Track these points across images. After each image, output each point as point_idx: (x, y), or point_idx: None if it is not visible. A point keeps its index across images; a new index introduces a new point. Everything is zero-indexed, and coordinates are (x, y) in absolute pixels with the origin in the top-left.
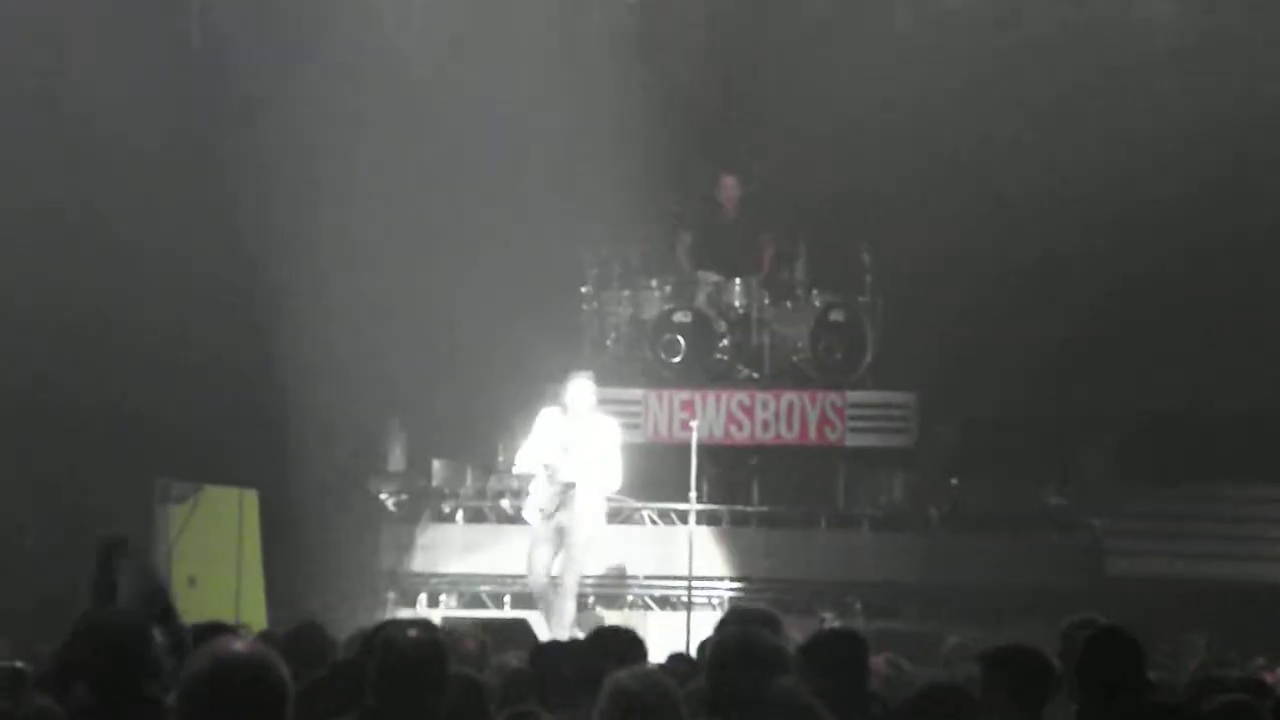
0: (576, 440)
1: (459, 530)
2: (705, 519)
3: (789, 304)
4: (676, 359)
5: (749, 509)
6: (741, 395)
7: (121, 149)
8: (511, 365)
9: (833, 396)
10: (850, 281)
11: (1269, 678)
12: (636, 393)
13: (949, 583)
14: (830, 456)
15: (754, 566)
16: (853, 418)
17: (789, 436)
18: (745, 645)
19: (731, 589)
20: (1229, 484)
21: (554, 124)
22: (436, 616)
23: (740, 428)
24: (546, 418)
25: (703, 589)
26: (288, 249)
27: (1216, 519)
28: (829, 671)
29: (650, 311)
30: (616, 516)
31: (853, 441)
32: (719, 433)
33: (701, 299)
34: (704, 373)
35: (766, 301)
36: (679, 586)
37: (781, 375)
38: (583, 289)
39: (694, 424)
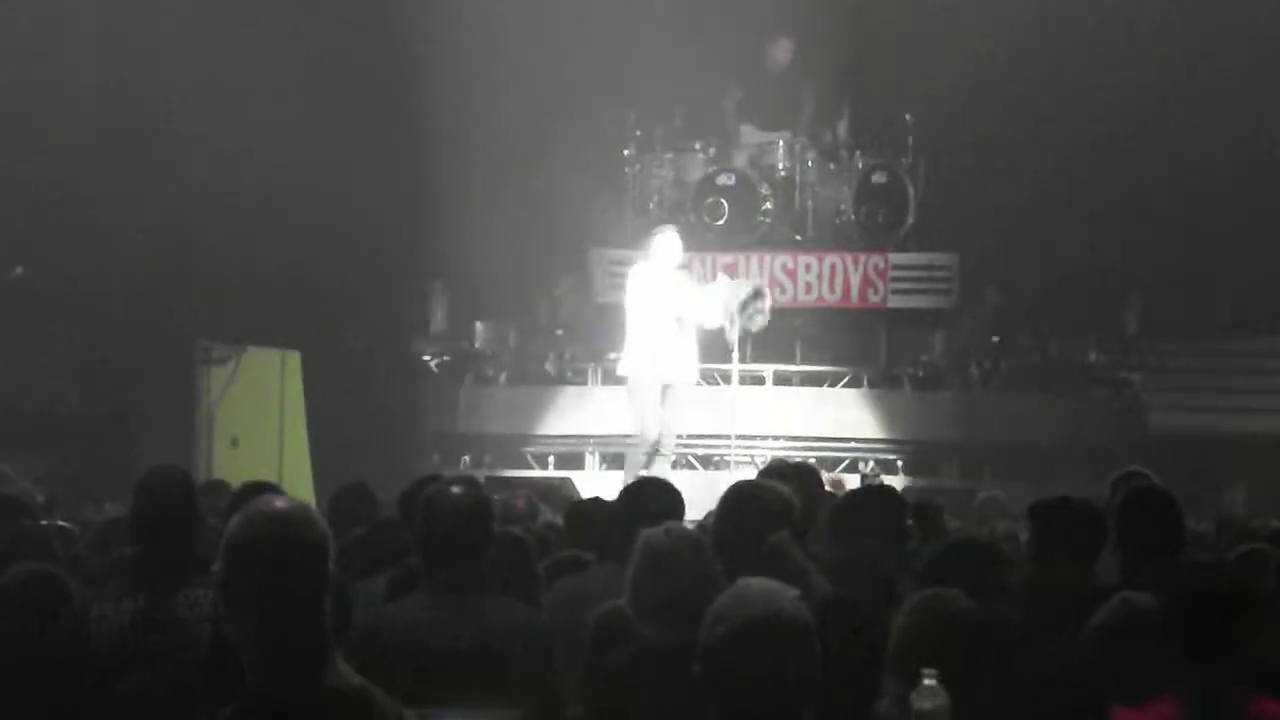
0: (679, 294)
1: (502, 390)
2: (748, 379)
3: (832, 166)
4: (720, 222)
5: (791, 369)
6: (785, 258)
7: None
8: (554, 228)
9: (875, 258)
10: (893, 143)
11: None
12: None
13: (990, 439)
14: (873, 318)
15: (797, 425)
16: (895, 279)
17: (832, 299)
18: (746, 496)
19: (774, 448)
20: (1266, 337)
21: None
22: (480, 476)
23: (783, 290)
24: (642, 276)
25: (746, 448)
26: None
27: (1253, 372)
28: (863, 528)
29: (693, 174)
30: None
31: (895, 303)
32: None
33: (744, 161)
34: (747, 235)
35: (810, 163)
36: (722, 446)
37: (824, 237)
38: (625, 151)
39: (731, 275)
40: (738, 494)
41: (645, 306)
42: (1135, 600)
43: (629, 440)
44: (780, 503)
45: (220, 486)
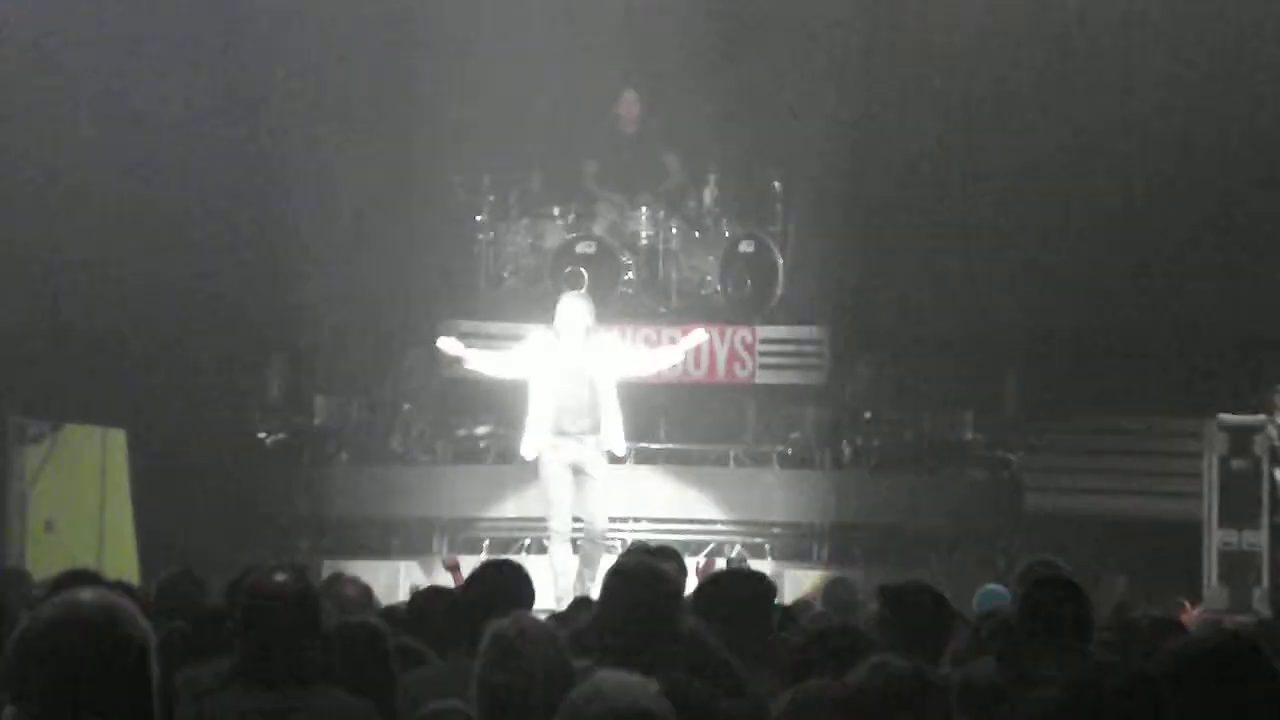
0: (580, 368)
1: (343, 470)
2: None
3: (697, 234)
4: (579, 292)
5: (655, 446)
6: (648, 330)
7: None
8: (402, 297)
9: (743, 332)
10: (761, 211)
11: (1185, 616)
12: (537, 329)
13: (863, 520)
14: (740, 394)
15: (660, 506)
16: (764, 354)
17: (697, 374)
18: (648, 578)
19: (636, 530)
20: (1148, 415)
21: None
22: (322, 563)
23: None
24: (538, 340)
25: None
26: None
27: (1133, 452)
28: (730, 613)
29: (551, 241)
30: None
31: (764, 378)
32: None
33: (605, 228)
34: (608, 307)
35: (674, 231)
36: (577, 527)
37: (690, 309)
38: (478, 217)
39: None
40: (636, 576)
41: (545, 376)
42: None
43: (548, 527)
44: (679, 585)
45: (19, 575)
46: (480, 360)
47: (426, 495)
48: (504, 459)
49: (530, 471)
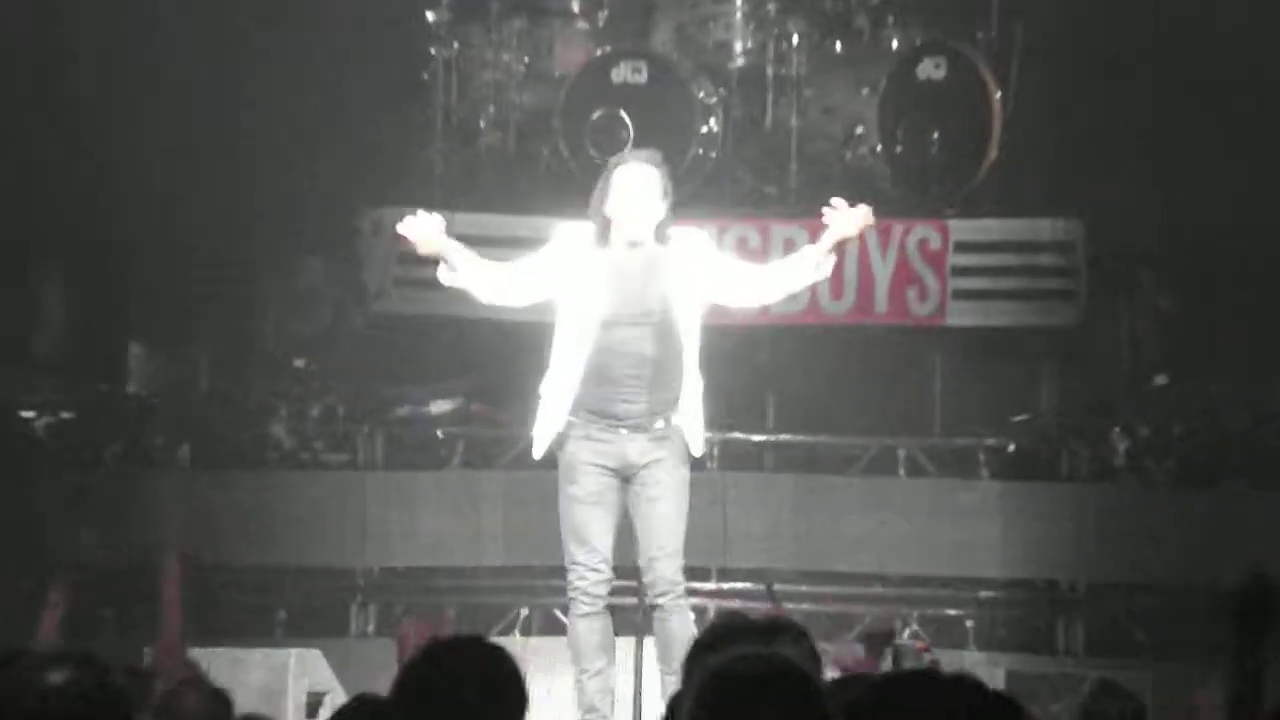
0: (645, 301)
1: (180, 473)
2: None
3: (838, 46)
4: (643, 158)
5: (759, 440)
6: (746, 229)
7: None
8: (283, 180)
9: (924, 230)
10: (959, 5)
11: None
12: (545, 223)
13: (1145, 580)
14: (919, 344)
15: (766, 547)
16: (963, 272)
17: (836, 309)
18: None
19: (726, 589)
20: None
21: None
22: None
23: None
24: (571, 246)
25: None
26: None
27: None
28: None
29: (566, 61)
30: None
31: (962, 317)
32: None
33: (666, 36)
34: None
35: (795, 41)
36: (623, 586)
37: (824, 188)
38: (429, 17)
39: None
40: (747, 686)
41: (581, 314)
42: None
43: (569, 583)
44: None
45: None
46: (473, 270)
47: (338, 526)
48: (480, 460)
49: (537, 483)
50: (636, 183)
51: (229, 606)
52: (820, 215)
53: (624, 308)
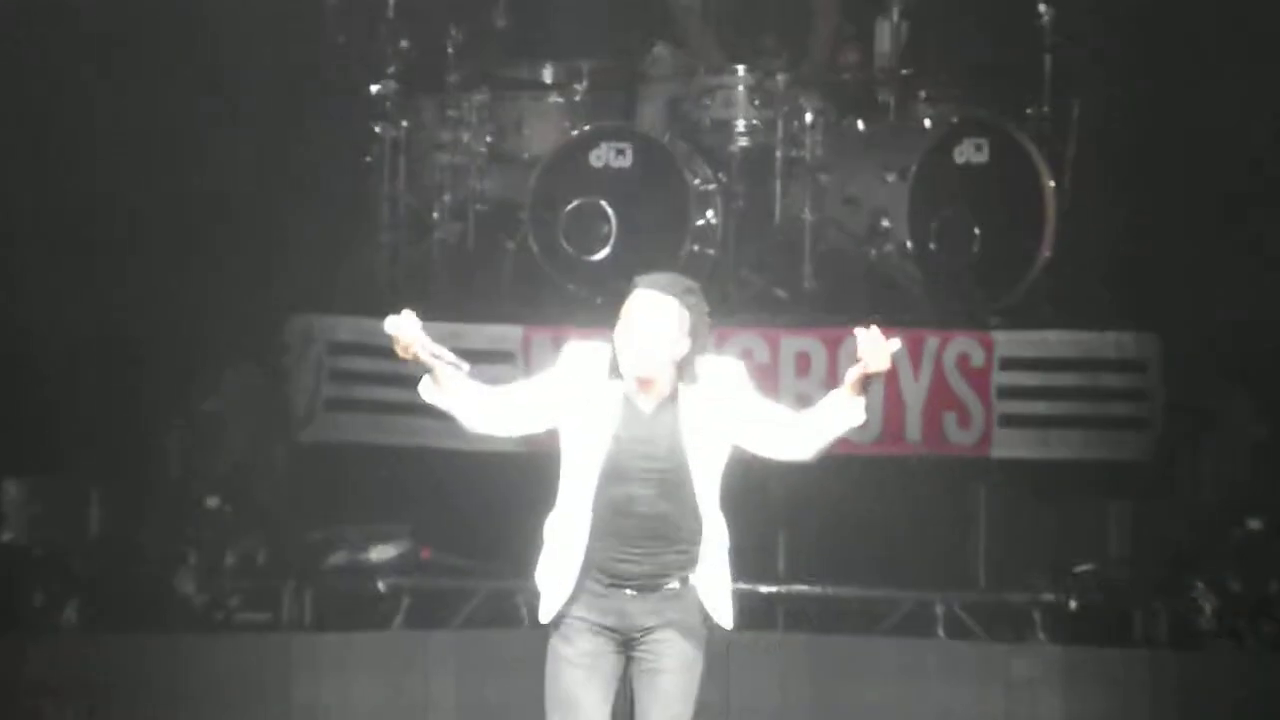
0: (642, 441)
1: (68, 646)
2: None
3: (860, 123)
4: (599, 252)
5: (769, 591)
6: (752, 340)
7: None
8: (201, 286)
9: (963, 343)
10: (1004, 78)
11: None
12: (508, 332)
13: None
14: (959, 478)
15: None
16: (1010, 393)
17: (861, 438)
18: None
19: None
20: None
21: None
22: None
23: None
24: (572, 367)
25: None
26: None
27: None
28: None
29: (538, 140)
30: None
31: (1008, 449)
32: None
33: (655, 111)
34: (662, 285)
35: (809, 120)
36: None
37: (844, 291)
38: (373, 90)
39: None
40: None
41: (585, 459)
42: None
43: None
44: None
45: None
46: (464, 389)
47: (258, 700)
48: (429, 618)
49: (498, 645)
50: (643, 314)
51: None
52: (840, 327)
53: (630, 460)
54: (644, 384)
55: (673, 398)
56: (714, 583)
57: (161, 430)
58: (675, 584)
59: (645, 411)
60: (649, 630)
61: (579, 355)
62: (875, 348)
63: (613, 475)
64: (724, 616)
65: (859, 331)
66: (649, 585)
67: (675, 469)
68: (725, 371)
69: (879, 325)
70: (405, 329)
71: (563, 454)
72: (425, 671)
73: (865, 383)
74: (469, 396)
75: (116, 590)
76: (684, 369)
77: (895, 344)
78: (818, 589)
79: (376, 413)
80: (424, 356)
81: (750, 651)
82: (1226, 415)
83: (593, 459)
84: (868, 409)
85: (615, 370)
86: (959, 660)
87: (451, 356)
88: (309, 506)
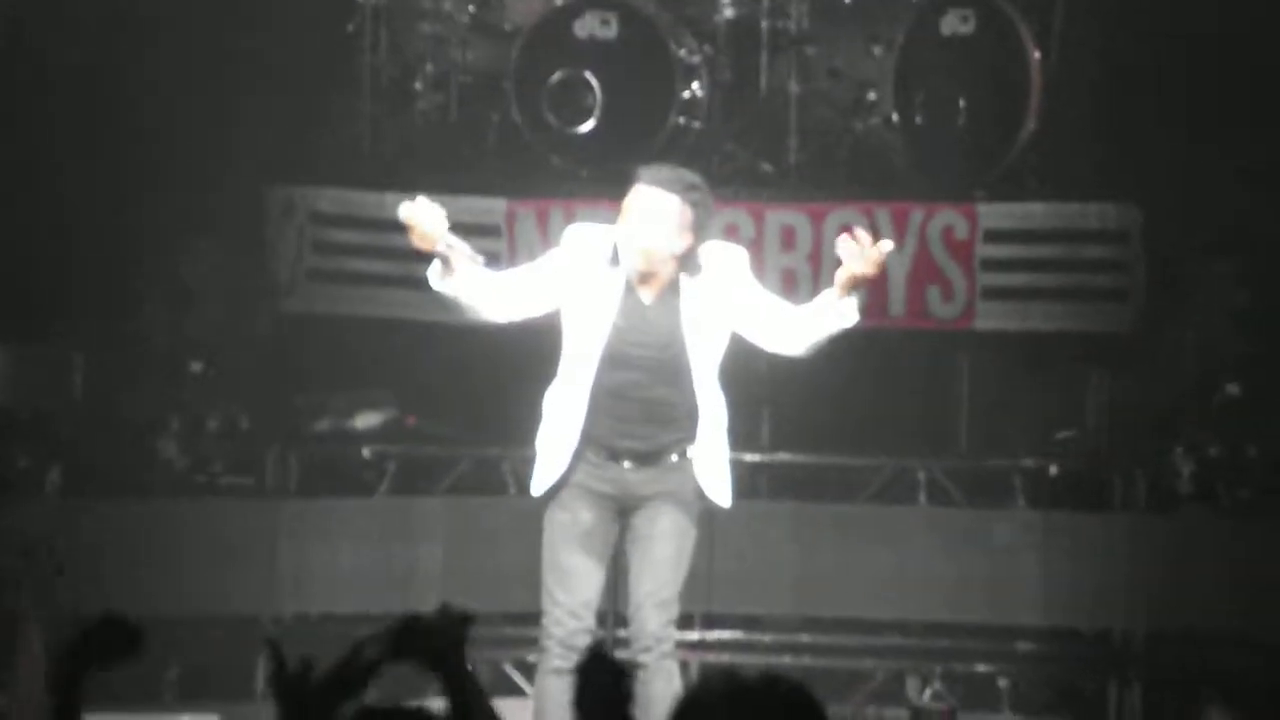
0: (640, 329)
1: (48, 509)
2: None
3: None
4: (584, 125)
5: (754, 460)
6: (737, 214)
7: None
8: (177, 153)
9: (947, 216)
10: None
11: None
12: (492, 205)
13: (1224, 628)
14: (941, 349)
15: (763, 591)
16: (994, 265)
17: None
18: None
19: (718, 639)
20: None
21: None
22: None
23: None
24: (577, 251)
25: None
26: None
27: None
28: None
29: (516, 13)
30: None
31: (991, 320)
32: None
33: None
34: (648, 161)
35: None
36: (620, 637)
37: (829, 164)
38: None
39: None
40: None
41: (585, 341)
42: None
43: (542, 629)
44: None
45: None
46: (474, 276)
47: (242, 565)
48: (416, 485)
49: (484, 512)
50: (643, 211)
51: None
52: (826, 201)
53: (628, 347)
54: (643, 278)
55: (674, 288)
56: (712, 464)
57: (143, 297)
58: (674, 457)
59: (645, 301)
60: (645, 499)
61: (583, 238)
62: (859, 253)
63: (611, 361)
64: (722, 496)
65: (843, 240)
66: (648, 459)
67: (673, 357)
68: (727, 260)
69: (864, 200)
70: (422, 217)
71: (564, 334)
72: (411, 538)
73: (853, 285)
74: (478, 286)
75: (100, 454)
76: (686, 261)
77: (886, 245)
78: (801, 457)
79: (360, 284)
80: (440, 247)
81: (734, 519)
82: (1207, 283)
83: (592, 344)
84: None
85: (618, 257)
86: (940, 525)
87: (466, 248)
88: (293, 373)
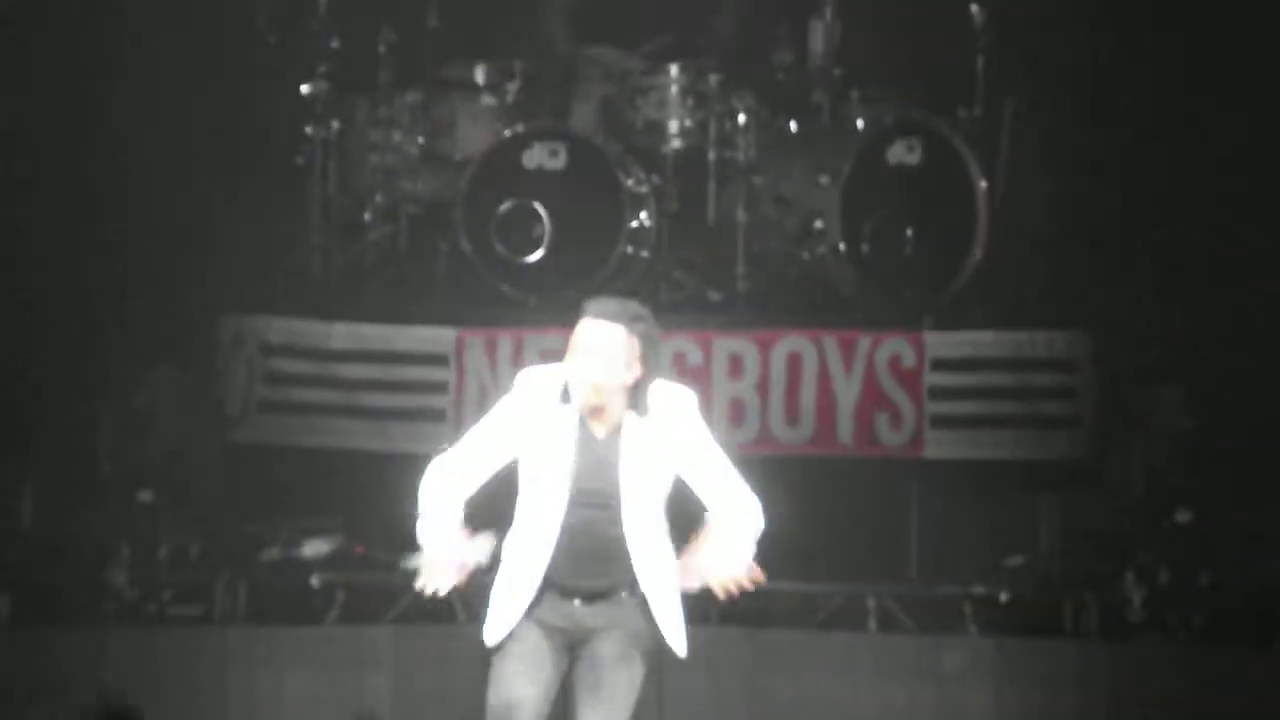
0: (589, 471)
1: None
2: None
3: (793, 124)
4: (533, 254)
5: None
6: (685, 343)
7: None
8: (128, 283)
9: (895, 344)
10: (936, 78)
11: None
12: (441, 334)
13: None
14: (891, 479)
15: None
16: (942, 394)
17: (793, 438)
18: None
19: None
20: None
21: None
22: None
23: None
24: (525, 397)
25: None
26: None
27: None
28: None
29: (470, 141)
30: None
31: (941, 449)
32: None
33: (591, 113)
34: (595, 289)
35: (742, 120)
36: None
37: (777, 292)
38: (303, 90)
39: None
40: None
41: (542, 484)
42: None
43: None
44: None
45: None
46: (457, 529)
47: (191, 693)
48: (364, 613)
49: (434, 641)
50: (590, 345)
51: None
52: (773, 329)
53: (585, 484)
54: (594, 413)
55: (620, 431)
56: (666, 607)
57: (93, 425)
58: (624, 594)
59: (598, 437)
60: (594, 631)
61: (533, 381)
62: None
63: (570, 499)
64: (676, 644)
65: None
66: (599, 596)
67: (622, 501)
68: (674, 404)
69: (811, 328)
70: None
71: (520, 477)
72: (360, 666)
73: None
74: (459, 510)
75: (49, 583)
76: (635, 396)
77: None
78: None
79: (308, 414)
80: (461, 557)
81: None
82: (1156, 410)
83: (551, 484)
84: (801, 410)
85: (568, 394)
86: (890, 653)
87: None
88: (242, 502)
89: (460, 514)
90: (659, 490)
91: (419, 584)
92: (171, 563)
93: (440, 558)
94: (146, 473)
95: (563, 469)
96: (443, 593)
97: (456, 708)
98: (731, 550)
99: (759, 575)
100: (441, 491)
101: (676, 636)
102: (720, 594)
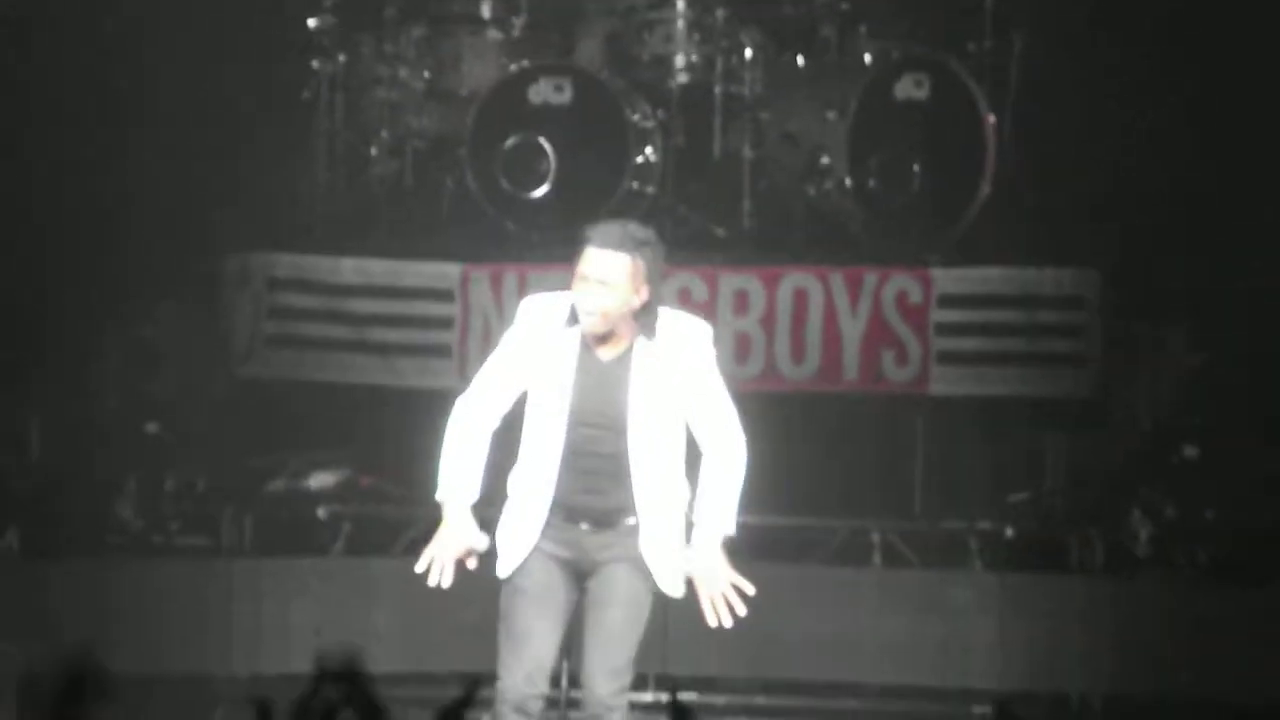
0: (593, 392)
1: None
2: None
3: (800, 59)
4: (536, 193)
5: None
6: (690, 279)
7: None
8: (136, 214)
9: (902, 280)
10: (944, 8)
11: None
12: (446, 270)
13: (1176, 692)
14: (897, 414)
15: (714, 655)
16: (948, 330)
17: (798, 374)
18: None
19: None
20: None
21: None
22: None
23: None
24: (531, 326)
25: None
26: None
27: None
28: None
29: (474, 77)
30: None
31: (946, 385)
32: None
33: (596, 48)
34: (602, 224)
35: (749, 55)
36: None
37: (784, 228)
38: (310, 23)
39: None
40: None
41: (546, 405)
42: None
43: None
44: None
45: None
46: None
47: (197, 625)
48: (370, 545)
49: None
50: (595, 274)
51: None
52: (779, 265)
53: (588, 404)
54: (604, 338)
55: (626, 355)
56: (662, 553)
57: (100, 358)
58: (630, 520)
59: (603, 360)
60: (601, 564)
61: (535, 308)
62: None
63: (573, 419)
64: (673, 587)
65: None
66: (605, 521)
67: (626, 424)
68: (688, 333)
69: (817, 264)
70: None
71: (528, 402)
72: (366, 597)
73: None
74: (482, 448)
75: (56, 515)
76: (642, 318)
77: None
78: (755, 519)
79: (317, 349)
80: (464, 544)
81: (687, 582)
82: (1162, 347)
83: (554, 405)
84: (807, 346)
85: (574, 317)
86: (895, 588)
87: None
88: (249, 435)
89: (484, 451)
90: (667, 415)
91: (421, 564)
92: (178, 495)
93: (447, 540)
94: (153, 406)
95: (564, 390)
96: (445, 585)
97: (462, 638)
98: (716, 561)
99: (745, 584)
100: (461, 434)
101: (672, 578)
102: (710, 618)
